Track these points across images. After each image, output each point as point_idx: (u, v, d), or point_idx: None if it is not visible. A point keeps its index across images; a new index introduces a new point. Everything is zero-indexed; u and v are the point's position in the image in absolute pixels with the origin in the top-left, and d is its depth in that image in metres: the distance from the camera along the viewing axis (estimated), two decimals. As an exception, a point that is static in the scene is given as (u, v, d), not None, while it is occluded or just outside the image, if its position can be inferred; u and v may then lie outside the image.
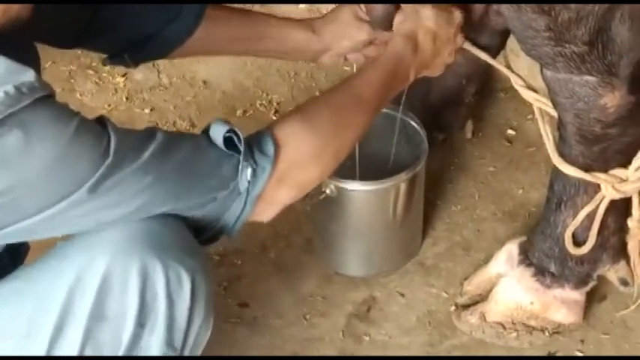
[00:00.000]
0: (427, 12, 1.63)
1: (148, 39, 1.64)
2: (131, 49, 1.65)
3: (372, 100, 1.52)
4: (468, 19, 1.70)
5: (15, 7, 1.19)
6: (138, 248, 1.26)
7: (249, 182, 1.33)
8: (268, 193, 1.37)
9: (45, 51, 1.43)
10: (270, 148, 1.35)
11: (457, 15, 1.67)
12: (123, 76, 2.50)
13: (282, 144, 1.37)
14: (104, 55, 1.70)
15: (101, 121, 1.23)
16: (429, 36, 1.62)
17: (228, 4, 1.82)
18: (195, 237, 1.36)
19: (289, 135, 1.38)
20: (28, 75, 1.15)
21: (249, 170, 1.32)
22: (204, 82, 2.49)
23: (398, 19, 1.66)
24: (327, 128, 1.43)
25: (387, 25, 1.70)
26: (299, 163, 1.39)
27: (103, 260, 1.25)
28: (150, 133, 1.27)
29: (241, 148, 1.32)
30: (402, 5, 1.66)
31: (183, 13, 1.65)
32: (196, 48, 1.71)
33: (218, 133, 1.33)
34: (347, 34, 1.76)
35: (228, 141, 1.32)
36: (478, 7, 1.71)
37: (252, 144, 1.35)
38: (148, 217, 1.28)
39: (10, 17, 1.19)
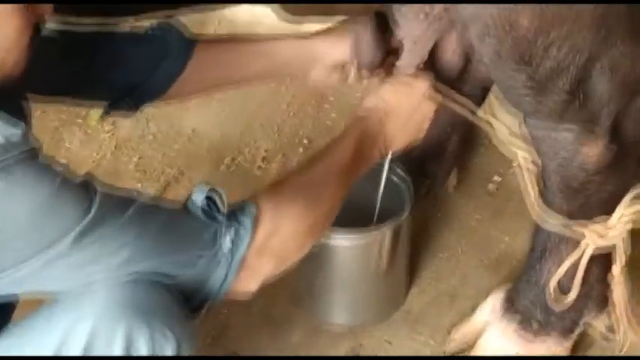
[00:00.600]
0: (388, 87, 1.68)
1: (143, 82, 1.67)
2: (128, 95, 1.67)
3: (342, 174, 1.55)
4: (450, 73, 1.73)
5: (9, 64, 1.21)
6: (124, 312, 1.26)
7: (231, 247, 1.34)
8: (250, 261, 1.37)
9: (32, 102, 1.44)
10: (250, 216, 1.37)
11: (418, 84, 1.69)
12: (110, 126, 2.51)
13: (262, 215, 1.38)
14: (98, 108, 1.72)
15: (86, 178, 1.25)
16: (388, 110, 1.65)
17: (217, 38, 1.86)
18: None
19: (269, 207, 1.40)
20: (18, 128, 1.17)
21: (231, 234, 1.34)
22: (192, 132, 2.51)
23: (361, 100, 1.70)
24: (302, 203, 1.45)
25: (376, 68, 1.73)
26: (280, 234, 1.40)
27: (88, 322, 1.25)
28: (133, 194, 1.30)
29: (223, 211, 1.34)
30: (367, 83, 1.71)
31: (173, 49, 1.68)
32: (193, 82, 1.74)
33: (199, 197, 1.34)
34: (338, 43, 1.79)
35: (210, 206, 1.34)
36: (457, 61, 1.74)
37: (234, 210, 1.37)
38: (135, 280, 1.28)
39: (4, 73, 1.21)
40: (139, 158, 2.43)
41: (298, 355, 1.93)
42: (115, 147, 2.47)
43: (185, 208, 1.35)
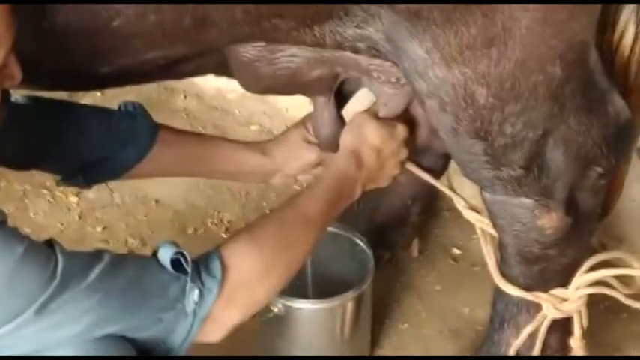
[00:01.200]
0: (370, 127, 1.67)
1: (102, 161, 1.68)
2: (85, 171, 1.68)
3: (317, 218, 1.54)
4: (413, 143, 1.75)
5: None
6: None
7: (196, 303, 1.34)
8: (216, 313, 1.37)
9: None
10: (217, 270, 1.37)
11: (400, 129, 1.70)
12: (76, 195, 2.51)
13: (229, 265, 1.38)
14: (58, 177, 1.73)
15: (49, 244, 1.25)
16: (372, 151, 1.66)
17: (182, 130, 1.88)
18: None
19: (236, 255, 1.40)
20: None
21: (196, 292, 1.33)
22: (157, 202, 2.52)
23: (343, 134, 1.71)
24: (273, 248, 1.45)
25: (334, 145, 1.75)
26: (246, 283, 1.40)
27: None
28: (97, 254, 1.29)
29: (188, 269, 1.33)
30: (347, 122, 1.72)
31: (136, 138, 1.69)
32: (149, 170, 1.75)
33: (166, 255, 1.34)
34: (296, 156, 1.82)
35: (176, 262, 1.34)
36: (423, 130, 1.77)
37: (200, 265, 1.36)
38: (94, 338, 1.28)
39: None
40: (103, 228, 2.44)
41: None
42: (80, 216, 2.47)
43: (154, 258, 1.36)
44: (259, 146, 1.84)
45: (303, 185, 1.88)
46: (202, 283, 1.35)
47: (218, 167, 1.82)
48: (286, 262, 1.47)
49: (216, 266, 1.37)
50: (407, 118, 1.74)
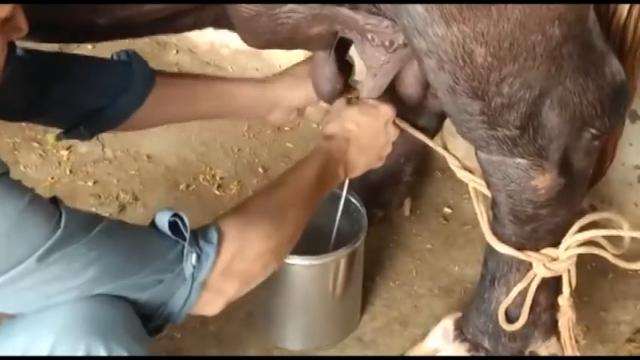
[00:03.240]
0: (349, 112, 1.69)
1: (102, 109, 1.68)
2: (86, 120, 1.68)
3: (306, 197, 1.56)
4: (407, 103, 1.76)
5: None
6: (82, 330, 1.26)
7: (194, 267, 1.35)
8: (214, 282, 1.39)
9: (-12, 124, 1.46)
10: (214, 237, 1.38)
11: (384, 109, 1.70)
12: (67, 149, 2.51)
13: (226, 236, 1.40)
14: (52, 129, 1.73)
15: (53, 199, 1.26)
16: (350, 134, 1.67)
17: (178, 72, 1.87)
18: (143, 325, 1.36)
19: (232, 229, 1.42)
20: None
21: (194, 256, 1.35)
22: (148, 157, 2.52)
23: (325, 120, 1.72)
24: (267, 224, 1.46)
25: (333, 101, 1.75)
26: (242, 256, 1.42)
27: (47, 340, 1.25)
28: (98, 215, 1.31)
29: (186, 234, 1.35)
30: (331, 106, 1.73)
31: (134, 82, 1.69)
32: (149, 116, 1.74)
33: (163, 220, 1.36)
34: (300, 86, 1.81)
35: (174, 228, 1.35)
36: (417, 92, 1.77)
37: (197, 232, 1.38)
38: (95, 297, 1.29)
39: None
40: (94, 182, 2.44)
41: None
42: (71, 171, 2.47)
43: (152, 226, 1.37)
44: (260, 79, 1.84)
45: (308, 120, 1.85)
46: (200, 249, 1.36)
47: (218, 103, 1.81)
48: (280, 239, 1.49)
49: (212, 234, 1.39)
50: (400, 82, 1.75)
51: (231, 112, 1.87)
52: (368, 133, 1.69)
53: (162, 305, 1.37)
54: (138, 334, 1.34)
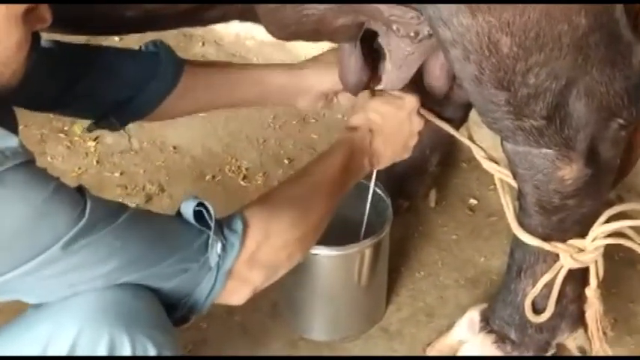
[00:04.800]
0: (373, 103, 1.68)
1: (132, 98, 1.68)
2: (116, 110, 1.69)
3: (330, 188, 1.56)
4: (433, 95, 1.75)
5: (6, 75, 1.23)
6: (107, 319, 1.27)
7: (219, 257, 1.35)
8: (239, 271, 1.39)
9: (17, 113, 1.46)
10: (239, 227, 1.38)
11: (409, 99, 1.70)
12: (94, 140, 2.53)
13: (251, 225, 1.40)
14: (80, 120, 1.74)
15: (79, 188, 1.27)
16: (375, 126, 1.66)
17: (206, 61, 1.87)
18: (168, 315, 1.37)
19: (258, 219, 1.42)
20: (13, 141, 1.19)
21: (219, 245, 1.35)
22: (174, 147, 2.53)
23: (350, 113, 1.71)
24: (292, 214, 1.46)
25: (359, 92, 1.75)
26: (267, 245, 1.42)
27: (71, 330, 1.26)
28: (123, 204, 1.32)
29: (211, 223, 1.35)
30: (356, 98, 1.73)
31: (162, 71, 1.69)
32: (179, 104, 1.75)
33: (189, 209, 1.36)
34: (329, 72, 1.80)
35: (199, 218, 1.36)
36: (443, 83, 1.76)
37: (222, 222, 1.38)
38: (119, 286, 1.29)
39: (1, 83, 1.24)
40: (121, 173, 2.45)
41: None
42: (97, 162, 2.49)
43: (177, 215, 1.38)
44: (289, 65, 1.84)
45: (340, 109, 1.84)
46: (225, 238, 1.36)
47: (248, 89, 1.80)
48: (305, 229, 1.49)
49: (238, 224, 1.39)
50: (426, 72, 1.74)
51: (261, 98, 1.86)
52: (392, 124, 1.68)
53: (187, 295, 1.37)
54: (162, 324, 1.34)
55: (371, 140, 1.65)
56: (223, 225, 1.38)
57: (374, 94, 1.71)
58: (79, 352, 1.26)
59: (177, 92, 1.71)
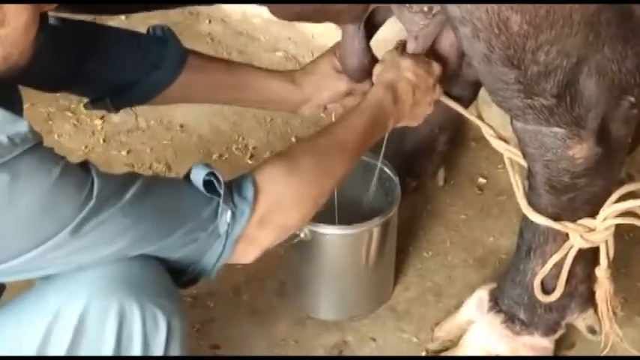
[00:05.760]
0: (407, 62, 1.66)
1: (130, 86, 1.68)
2: (113, 94, 1.68)
3: (353, 147, 1.54)
4: (443, 71, 1.73)
5: (15, 56, 1.23)
6: (116, 289, 1.27)
7: (228, 225, 1.34)
8: (249, 233, 1.38)
9: (24, 92, 1.46)
10: (249, 192, 1.37)
11: (435, 66, 1.69)
12: (101, 118, 2.52)
13: (262, 188, 1.38)
14: (84, 99, 1.73)
15: (85, 166, 1.26)
16: (408, 86, 1.65)
17: (211, 56, 1.86)
18: (174, 279, 1.37)
19: (270, 179, 1.40)
20: (22, 126, 1.19)
21: (229, 213, 1.34)
22: (181, 126, 2.52)
23: (378, 69, 1.69)
24: (308, 174, 1.45)
25: (362, 76, 1.73)
26: (279, 206, 1.41)
27: (80, 300, 1.26)
28: (131, 176, 1.30)
29: (221, 191, 1.34)
30: (383, 56, 1.70)
31: (166, 62, 1.69)
32: (177, 95, 1.75)
33: (198, 176, 1.35)
34: (326, 85, 1.80)
35: (209, 184, 1.35)
36: (453, 60, 1.74)
37: (232, 188, 1.37)
38: (127, 257, 1.29)
39: (9, 64, 1.23)
40: (127, 152, 2.45)
41: (282, 346, 1.95)
42: (104, 140, 2.48)
43: (186, 181, 1.37)
44: (289, 75, 1.83)
45: (332, 115, 1.86)
46: (235, 205, 1.35)
47: (246, 95, 1.81)
48: (319, 190, 1.47)
49: (248, 189, 1.37)
50: (434, 48, 1.72)
51: (261, 105, 1.90)
52: (422, 87, 1.67)
53: (195, 262, 1.37)
54: (169, 291, 1.34)
55: (397, 100, 1.63)
56: (233, 190, 1.37)
57: (403, 53, 1.68)
58: (89, 322, 1.26)
59: (176, 85, 1.71)
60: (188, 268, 1.38)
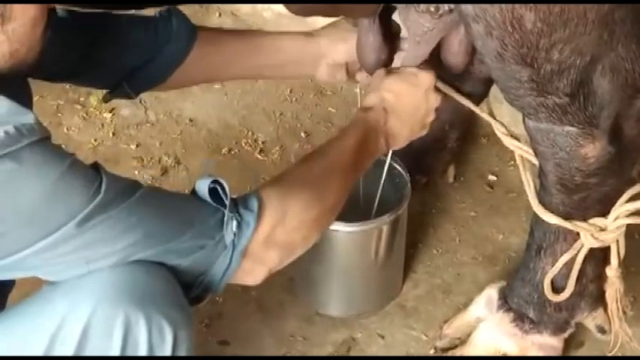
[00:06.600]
0: (388, 82, 1.64)
1: (146, 65, 1.67)
2: (130, 78, 1.68)
3: (347, 167, 1.54)
4: (450, 70, 1.72)
5: (22, 51, 1.23)
6: (122, 298, 1.25)
7: (234, 235, 1.34)
8: (255, 251, 1.37)
9: (33, 85, 1.45)
10: (254, 205, 1.37)
11: (423, 76, 1.66)
12: (110, 111, 2.52)
13: (267, 205, 1.38)
14: (94, 91, 1.73)
15: (94, 165, 1.26)
16: (389, 105, 1.63)
17: (221, 28, 1.85)
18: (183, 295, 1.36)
19: (273, 199, 1.40)
20: (29, 117, 1.18)
21: (234, 223, 1.33)
22: (191, 120, 2.51)
23: (365, 93, 1.69)
24: (307, 195, 1.44)
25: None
26: (283, 225, 1.40)
27: (86, 307, 1.25)
28: (137, 182, 1.30)
29: (226, 201, 1.34)
30: (372, 77, 1.70)
31: (178, 35, 1.68)
32: (193, 73, 1.74)
33: (203, 186, 1.35)
34: (342, 37, 1.78)
35: (214, 195, 1.34)
36: (463, 57, 1.73)
37: (238, 200, 1.37)
38: (135, 264, 1.28)
39: (18, 60, 1.23)
40: (136, 145, 2.44)
41: (290, 342, 1.95)
42: (114, 133, 2.48)
43: (192, 193, 1.37)
44: (302, 33, 1.81)
45: (358, 94, 1.84)
46: (240, 216, 1.35)
47: (262, 60, 1.78)
48: (321, 210, 1.47)
49: (253, 202, 1.37)
50: (446, 48, 1.71)
51: (277, 67, 1.83)
52: (407, 102, 1.65)
53: (202, 273, 1.36)
54: (178, 302, 1.33)
55: (386, 120, 1.62)
56: (239, 203, 1.36)
57: (389, 72, 1.68)
58: (94, 332, 1.25)
59: (190, 59, 1.69)
60: (196, 281, 1.36)
